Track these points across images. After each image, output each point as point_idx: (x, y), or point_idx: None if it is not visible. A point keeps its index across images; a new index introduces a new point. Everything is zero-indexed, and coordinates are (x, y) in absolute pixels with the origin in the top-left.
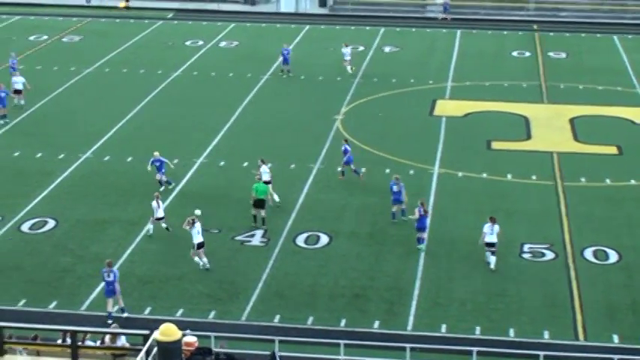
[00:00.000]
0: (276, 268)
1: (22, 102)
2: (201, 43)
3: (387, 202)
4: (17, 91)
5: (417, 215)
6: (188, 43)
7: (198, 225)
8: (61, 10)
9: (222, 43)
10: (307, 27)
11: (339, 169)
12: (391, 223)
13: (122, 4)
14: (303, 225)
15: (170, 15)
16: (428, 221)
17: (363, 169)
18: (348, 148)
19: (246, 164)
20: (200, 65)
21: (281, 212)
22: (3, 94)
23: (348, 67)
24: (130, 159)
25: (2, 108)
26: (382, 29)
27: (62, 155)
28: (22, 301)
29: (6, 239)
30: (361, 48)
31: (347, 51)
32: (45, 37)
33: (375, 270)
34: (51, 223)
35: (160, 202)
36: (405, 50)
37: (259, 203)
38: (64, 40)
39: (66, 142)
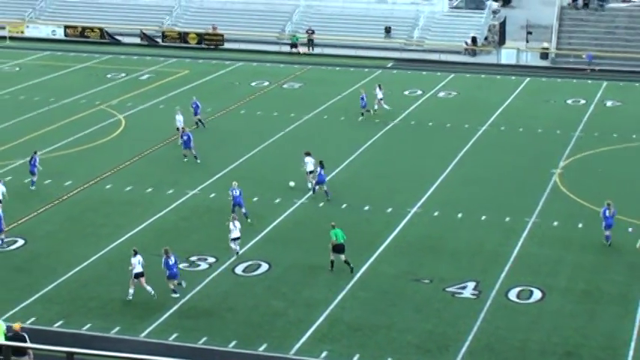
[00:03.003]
0: (487, 321)
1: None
2: (419, 92)
3: (604, 261)
4: (177, 129)
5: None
6: (406, 92)
7: (139, 256)
8: (283, 58)
9: (441, 94)
10: (528, 79)
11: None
12: (608, 281)
13: (302, 51)
14: (516, 279)
15: (390, 64)
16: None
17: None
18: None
19: (460, 215)
20: (418, 115)
21: (494, 265)
22: (186, 137)
23: (375, 107)
24: (344, 206)
25: (187, 149)
26: (605, 83)
27: (278, 200)
28: (233, 343)
29: (221, 281)
30: (582, 101)
31: (379, 91)
32: (266, 83)
33: (589, 328)
34: (264, 267)
35: (237, 222)
36: (627, 105)
37: (339, 248)
38: (285, 86)
39: (281, 187)
